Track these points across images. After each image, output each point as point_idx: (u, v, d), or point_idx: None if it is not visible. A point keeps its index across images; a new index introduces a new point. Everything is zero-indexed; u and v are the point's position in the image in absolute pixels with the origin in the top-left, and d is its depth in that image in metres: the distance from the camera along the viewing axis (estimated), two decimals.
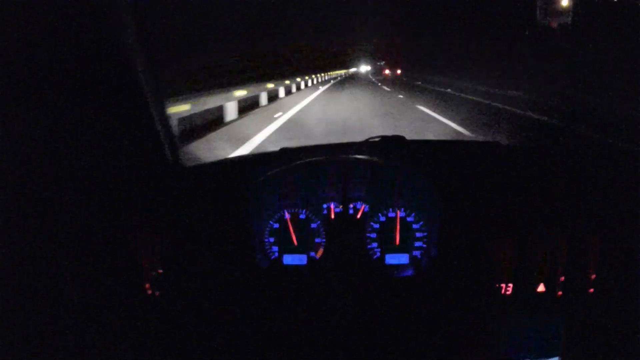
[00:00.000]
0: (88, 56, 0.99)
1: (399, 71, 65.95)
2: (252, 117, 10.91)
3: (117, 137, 1.10)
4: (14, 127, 0.94)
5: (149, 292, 1.16)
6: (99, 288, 1.09)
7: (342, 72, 66.80)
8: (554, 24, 18.24)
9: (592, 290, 1.18)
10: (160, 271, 1.17)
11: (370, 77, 59.94)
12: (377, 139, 1.41)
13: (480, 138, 6.89)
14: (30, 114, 0.95)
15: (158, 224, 1.19)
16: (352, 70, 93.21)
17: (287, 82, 18.88)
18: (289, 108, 12.72)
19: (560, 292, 1.18)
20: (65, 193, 1.03)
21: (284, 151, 1.37)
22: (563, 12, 18.02)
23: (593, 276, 1.18)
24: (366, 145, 1.39)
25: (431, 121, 9.70)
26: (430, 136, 7.06)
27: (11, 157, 0.94)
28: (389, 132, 1.43)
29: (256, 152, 6.09)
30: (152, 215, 1.19)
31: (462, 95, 17.37)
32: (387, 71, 71.38)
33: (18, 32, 0.90)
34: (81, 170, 1.05)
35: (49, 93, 0.97)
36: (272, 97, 15.11)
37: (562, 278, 1.17)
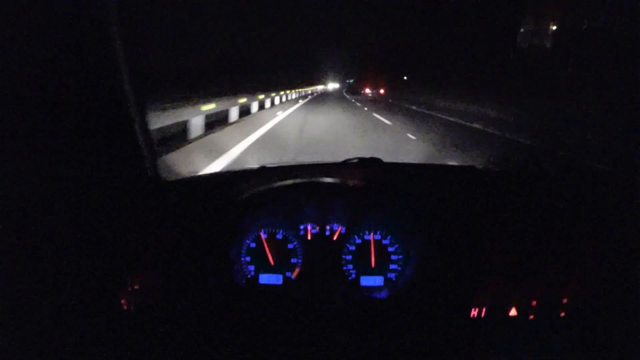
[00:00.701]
0: (70, 64, 0.98)
1: (382, 90, 62.11)
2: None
3: (97, 147, 1.08)
4: None
5: (125, 307, 1.14)
6: (74, 304, 1.06)
7: (309, 89, 60.10)
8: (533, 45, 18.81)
9: (563, 314, 1.20)
10: (137, 287, 1.15)
11: (345, 94, 56.46)
12: (354, 160, 1.43)
13: (456, 163, 6.87)
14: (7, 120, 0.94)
15: (135, 239, 1.17)
16: (320, 87, 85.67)
17: (261, 96, 17.83)
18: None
19: (532, 316, 1.19)
20: (42, 204, 1.01)
21: (263, 170, 1.37)
22: (543, 35, 18.60)
23: (565, 300, 1.20)
24: (344, 167, 1.40)
25: None
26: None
27: None
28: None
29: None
30: (130, 230, 1.17)
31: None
32: (367, 90, 67.65)
33: None
34: (58, 180, 1.03)
35: (27, 100, 0.95)
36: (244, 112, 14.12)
37: (535, 302, 1.19)
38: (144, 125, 1.16)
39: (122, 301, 1.14)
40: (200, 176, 1.43)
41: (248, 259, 1.29)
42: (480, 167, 1.46)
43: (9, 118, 0.95)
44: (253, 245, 1.29)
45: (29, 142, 0.98)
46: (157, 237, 1.19)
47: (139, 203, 1.20)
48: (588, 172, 1.47)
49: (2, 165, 0.96)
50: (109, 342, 1.12)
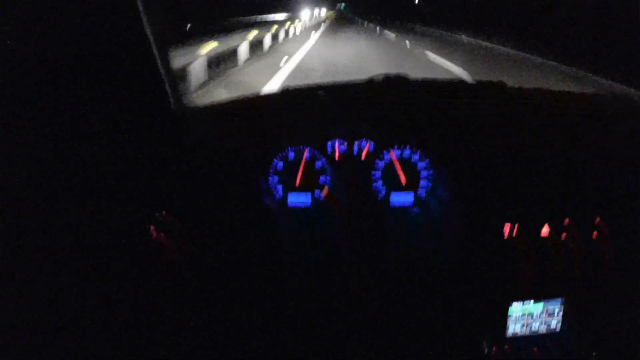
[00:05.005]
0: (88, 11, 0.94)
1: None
2: None
3: (119, 83, 1.05)
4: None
5: (154, 235, 1.14)
6: (105, 243, 1.06)
7: None
8: None
9: (595, 235, 1.19)
10: (167, 219, 1.15)
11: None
12: (380, 78, 1.38)
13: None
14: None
15: (164, 172, 1.17)
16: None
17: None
18: None
19: (564, 235, 1.18)
20: (67, 142, 1.00)
21: (286, 91, 1.34)
22: None
23: (597, 220, 1.18)
24: (369, 85, 1.36)
25: None
26: None
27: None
28: None
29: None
30: (157, 163, 1.16)
31: None
32: None
33: None
34: (82, 118, 1.01)
35: (51, 40, 0.93)
36: None
37: (567, 221, 1.18)
38: (166, 58, 1.12)
39: (153, 234, 1.14)
40: (223, 103, 1.40)
41: (276, 179, 1.27)
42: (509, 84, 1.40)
43: (32, 70, 0.92)
44: (280, 165, 1.27)
45: (55, 93, 0.96)
46: (186, 168, 1.18)
47: (164, 137, 1.18)
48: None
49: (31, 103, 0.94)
50: (141, 277, 1.13)
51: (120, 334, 1.09)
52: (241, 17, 18.45)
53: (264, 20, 21.56)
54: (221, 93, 7.51)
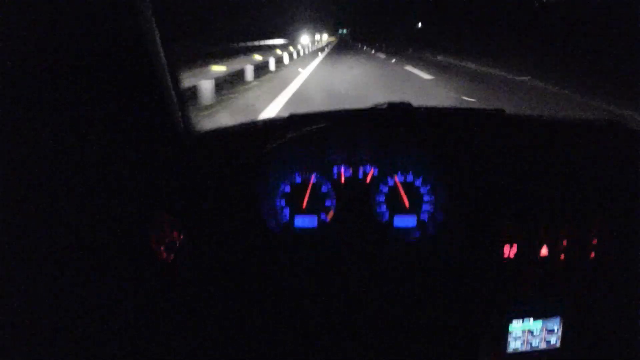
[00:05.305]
0: (97, 18, 0.97)
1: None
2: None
3: (127, 102, 1.09)
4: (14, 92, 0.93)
5: (163, 255, 1.17)
6: (106, 252, 1.09)
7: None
8: None
9: (593, 255, 1.22)
10: (172, 233, 1.18)
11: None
12: (384, 106, 1.43)
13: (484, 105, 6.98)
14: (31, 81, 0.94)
15: (169, 193, 1.20)
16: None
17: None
18: None
19: (562, 256, 1.22)
20: (73, 157, 1.02)
21: (293, 118, 1.39)
22: None
23: (594, 241, 1.22)
24: (373, 113, 1.41)
25: None
26: None
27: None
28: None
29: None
30: (162, 184, 1.20)
31: None
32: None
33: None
34: (88, 134, 1.03)
35: (55, 54, 0.95)
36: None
37: (565, 242, 1.21)
38: (175, 79, 1.16)
39: (162, 250, 1.17)
40: (231, 127, 1.45)
41: (283, 202, 1.32)
42: (509, 112, 1.46)
43: (37, 73, 0.95)
44: (287, 189, 1.32)
45: (58, 96, 0.98)
46: (190, 189, 1.21)
47: (170, 156, 1.22)
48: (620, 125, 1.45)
49: (34, 118, 0.96)
50: (141, 292, 1.16)
51: (119, 334, 1.12)
52: (243, 43, 18.82)
53: (266, 44, 22.08)
54: (226, 115, 7.75)
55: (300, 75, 14.83)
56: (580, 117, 1.59)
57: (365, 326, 1.22)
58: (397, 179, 1.32)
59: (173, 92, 1.17)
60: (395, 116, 1.36)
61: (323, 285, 1.22)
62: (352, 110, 1.45)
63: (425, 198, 1.32)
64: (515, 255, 1.21)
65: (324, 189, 1.33)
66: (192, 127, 1.29)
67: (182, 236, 1.19)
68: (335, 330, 1.22)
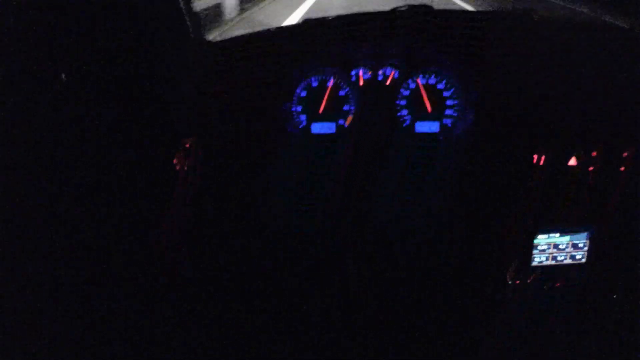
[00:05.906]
0: None
1: None
2: None
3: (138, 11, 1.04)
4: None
5: (178, 169, 1.15)
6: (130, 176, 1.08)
7: None
8: None
9: (623, 168, 1.16)
10: (188, 145, 1.15)
11: None
12: (403, 8, 1.32)
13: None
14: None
15: (185, 100, 1.17)
16: None
17: None
18: None
19: (591, 168, 1.16)
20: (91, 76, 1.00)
21: (308, 22, 1.30)
22: None
23: (625, 154, 1.15)
24: (393, 13, 1.31)
25: None
26: None
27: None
28: None
29: None
30: (178, 92, 1.17)
31: None
32: None
33: None
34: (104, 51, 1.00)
35: None
36: None
37: (595, 153, 1.15)
38: None
39: (176, 163, 1.15)
40: (243, 35, 1.37)
41: (299, 108, 1.26)
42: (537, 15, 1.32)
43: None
44: (304, 94, 1.26)
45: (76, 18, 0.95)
46: (207, 96, 1.18)
47: (184, 65, 1.18)
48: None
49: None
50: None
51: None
52: None
53: None
54: (246, 29, 7.51)
55: None
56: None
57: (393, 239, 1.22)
58: (420, 81, 1.24)
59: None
60: (416, 16, 1.26)
61: (342, 188, 1.21)
62: (371, 13, 1.34)
63: (449, 102, 1.25)
64: (544, 163, 1.15)
65: (342, 92, 1.25)
66: (204, 36, 1.25)
67: (200, 152, 1.16)
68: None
